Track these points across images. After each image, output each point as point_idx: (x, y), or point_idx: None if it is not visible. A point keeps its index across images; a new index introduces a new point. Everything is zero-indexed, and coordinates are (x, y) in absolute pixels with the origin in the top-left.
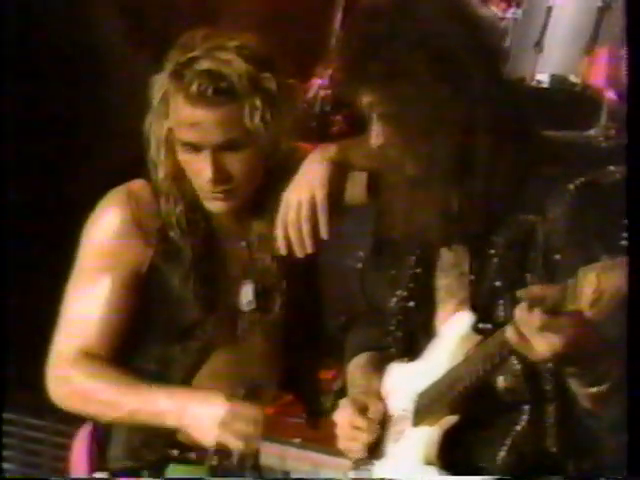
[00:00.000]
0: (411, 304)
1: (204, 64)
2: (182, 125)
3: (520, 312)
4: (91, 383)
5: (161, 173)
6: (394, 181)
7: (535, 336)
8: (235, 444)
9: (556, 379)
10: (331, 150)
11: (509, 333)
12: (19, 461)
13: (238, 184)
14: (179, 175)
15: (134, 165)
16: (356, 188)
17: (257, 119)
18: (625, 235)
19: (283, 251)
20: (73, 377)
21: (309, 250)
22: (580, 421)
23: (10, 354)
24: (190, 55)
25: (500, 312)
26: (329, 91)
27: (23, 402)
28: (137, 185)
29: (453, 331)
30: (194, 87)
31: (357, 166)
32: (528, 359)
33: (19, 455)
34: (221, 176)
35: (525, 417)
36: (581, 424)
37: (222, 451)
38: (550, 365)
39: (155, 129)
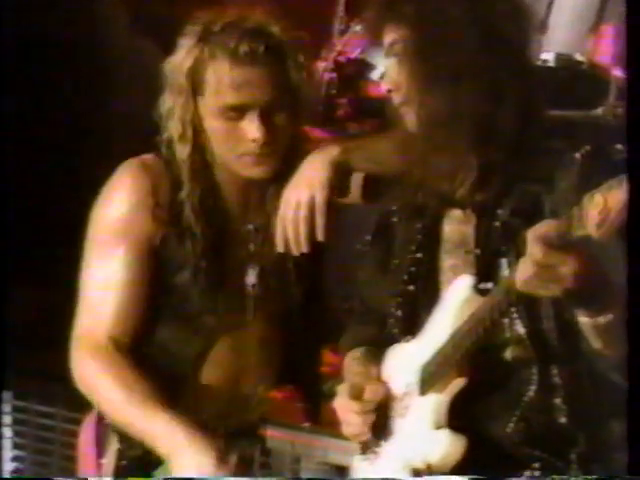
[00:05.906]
0: (411, 287)
1: (249, 24)
2: (227, 88)
3: (529, 249)
4: (101, 378)
5: (186, 151)
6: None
7: (542, 271)
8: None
9: (560, 328)
10: (334, 151)
11: (517, 273)
12: (30, 449)
13: (279, 146)
14: (202, 154)
15: (137, 149)
16: (353, 189)
17: (301, 75)
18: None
19: (280, 248)
20: (87, 365)
21: (305, 249)
22: (590, 384)
23: (19, 341)
24: (223, 21)
25: (503, 271)
26: (334, 74)
27: (33, 389)
28: (149, 158)
29: (455, 296)
30: (244, 47)
31: (358, 169)
32: (534, 306)
33: (30, 443)
34: (267, 136)
35: (534, 387)
36: (589, 392)
37: None
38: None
39: (180, 107)
